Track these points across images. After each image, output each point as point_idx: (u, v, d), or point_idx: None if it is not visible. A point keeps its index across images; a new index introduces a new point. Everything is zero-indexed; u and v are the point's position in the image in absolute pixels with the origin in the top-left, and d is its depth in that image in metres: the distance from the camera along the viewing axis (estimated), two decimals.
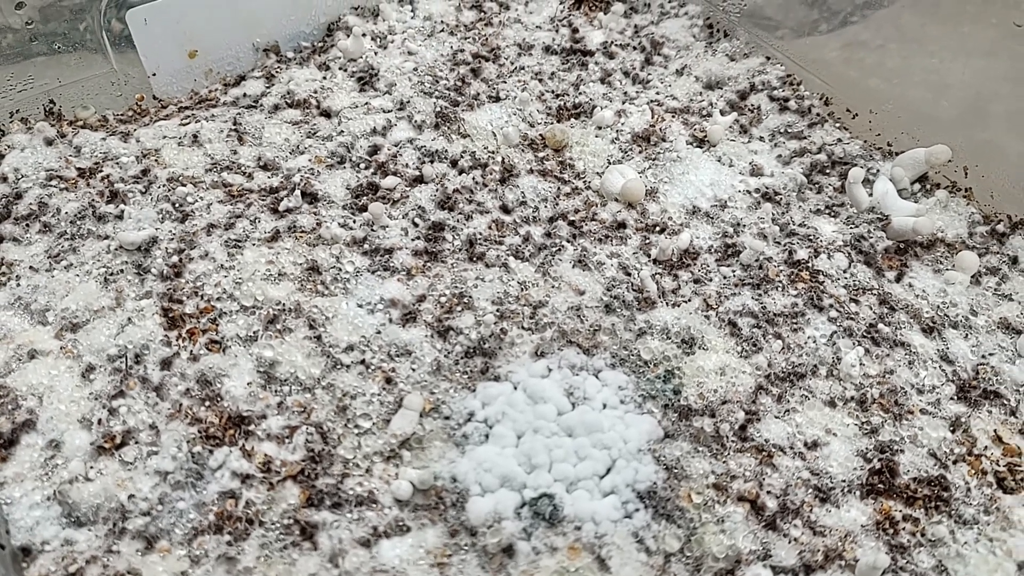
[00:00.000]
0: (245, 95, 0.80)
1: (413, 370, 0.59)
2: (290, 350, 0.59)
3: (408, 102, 0.77)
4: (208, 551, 0.50)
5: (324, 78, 0.81)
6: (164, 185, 0.70)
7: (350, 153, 0.74)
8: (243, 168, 0.73)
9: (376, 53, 0.83)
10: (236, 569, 0.49)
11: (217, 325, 0.61)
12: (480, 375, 0.59)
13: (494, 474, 0.53)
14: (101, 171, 0.72)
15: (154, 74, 0.81)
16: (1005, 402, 0.57)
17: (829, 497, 0.53)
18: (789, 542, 0.51)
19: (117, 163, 0.72)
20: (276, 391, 0.57)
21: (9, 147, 0.73)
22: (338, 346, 0.59)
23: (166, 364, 0.58)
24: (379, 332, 0.60)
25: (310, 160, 0.73)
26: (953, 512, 0.52)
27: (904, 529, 0.51)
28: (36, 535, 0.51)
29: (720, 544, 0.50)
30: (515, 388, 0.58)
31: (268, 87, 0.81)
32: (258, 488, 0.53)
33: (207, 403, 0.57)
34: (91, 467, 0.53)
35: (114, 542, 0.50)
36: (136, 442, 0.54)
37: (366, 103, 0.78)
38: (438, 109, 0.76)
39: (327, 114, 0.77)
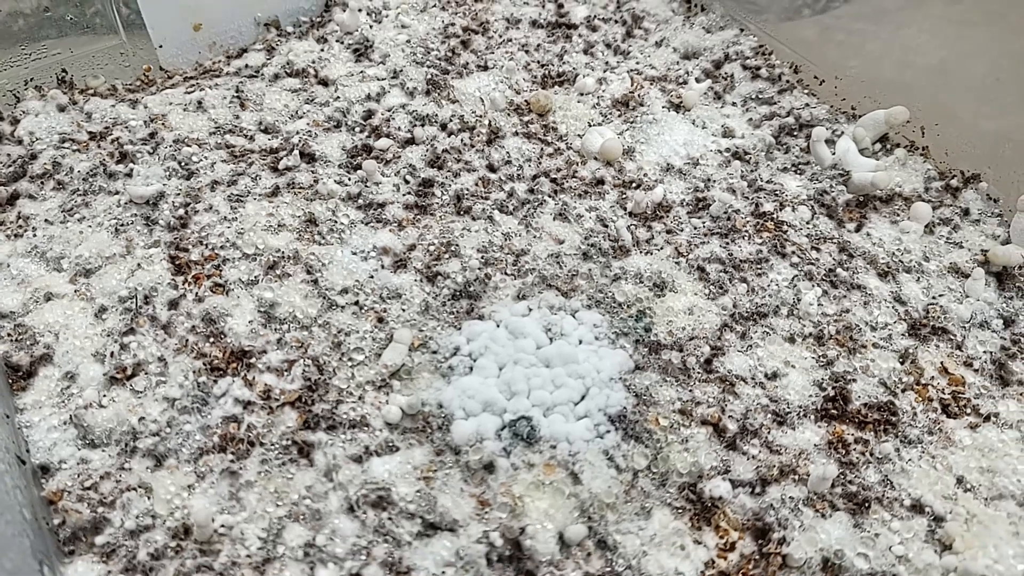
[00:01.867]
0: (247, 66, 0.85)
1: (403, 310, 0.63)
2: (288, 292, 0.63)
3: (401, 71, 0.82)
4: (213, 468, 0.54)
5: (322, 50, 0.86)
6: (170, 146, 0.74)
7: (346, 117, 0.78)
8: (245, 131, 0.77)
9: (371, 27, 0.87)
10: (239, 483, 0.54)
11: (220, 270, 0.65)
12: (465, 315, 0.63)
13: (477, 400, 0.57)
14: (111, 134, 0.76)
15: (161, 46, 0.86)
16: (952, 337, 0.62)
17: (786, 420, 0.57)
18: (748, 459, 0.55)
19: (126, 127, 0.77)
20: (275, 329, 0.62)
21: (24, 112, 0.78)
22: (333, 289, 0.64)
23: (173, 304, 0.62)
24: (372, 277, 0.65)
25: (308, 124, 0.77)
26: (900, 434, 0.57)
27: (854, 449, 0.56)
28: (54, 455, 0.55)
29: (684, 461, 0.55)
30: (498, 326, 0.62)
31: (269, 58, 0.85)
32: (258, 413, 0.57)
33: (211, 339, 0.61)
34: (104, 395, 0.58)
35: (126, 460, 0.55)
36: (146, 373, 0.59)
37: (361, 72, 0.82)
38: (429, 77, 0.81)
39: (324, 82, 0.82)
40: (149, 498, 0.53)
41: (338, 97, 0.80)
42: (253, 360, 0.60)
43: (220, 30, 0.87)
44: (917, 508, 0.53)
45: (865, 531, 0.52)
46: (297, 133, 0.76)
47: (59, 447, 0.55)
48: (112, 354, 0.59)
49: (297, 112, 0.79)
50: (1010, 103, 0.71)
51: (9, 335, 0.60)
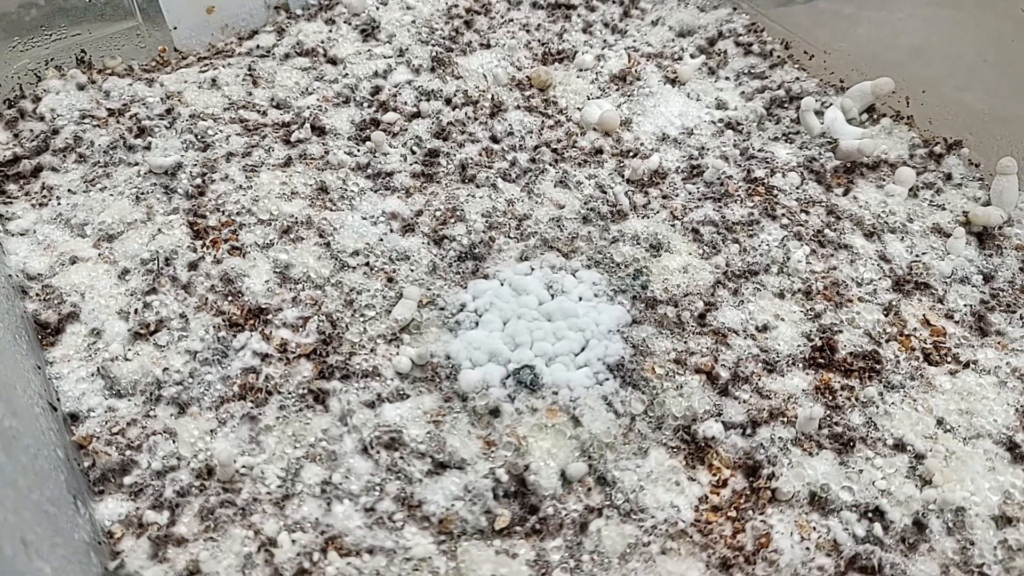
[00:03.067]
0: (258, 47, 0.88)
1: (412, 271, 0.66)
2: (302, 254, 0.67)
3: (407, 49, 0.85)
4: (233, 414, 0.57)
5: (330, 31, 0.89)
6: (187, 121, 0.78)
7: (354, 93, 0.81)
8: (258, 107, 0.80)
9: (378, 8, 0.91)
10: (258, 427, 0.57)
11: (237, 235, 0.68)
12: (471, 275, 0.67)
13: (483, 351, 0.61)
14: (129, 110, 0.79)
15: (175, 28, 0.89)
16: (934, 291, 0.65)
17: (775, 368, 0.60)
18: (739, 403, 0.58)
19: (144, 104, 0.80)
20: (291, 288, 0.65)
21: (45, 91, 0.81)
22: (345, 251, 0.67)
23: (193, 266, 0.66)
24: (381, 240, 0.68)
25: (318, 99, 0.81)
26: (883, 380, 0.60)
27: (840, 395, 0.59)
28: (83, 403, 0.58)
29: (679, 405, 0.58)
30: (502, 284, 0.65)
31: (279, 39, 0.89)
32: (276, 365, 0.60)
33: (230, 298, 0.64)
34: (129, 349, 0.61)
35: (151, 408, 0.58)
36: (168, 329, 0.62)
37: (368, 51, 0.86)
38: (434, 55, 0.84)
39: (333, 61, 0.85)
40: (174, 442, 0.56)
41: (346, 74, 0.83)
42: (270, 317, 0.63)
43: (232, 13, 0.91)
44: (899, 447, 0.56)
45: (850, 468, 0.55)
46: (308, 108, 0.79)
47: (87, 396, 0.58)
48: (136, 311, 0.63)
49: (307, 89, 0.82)
50: (990, 76, 0.74)
51: (37, 295, 0.63)
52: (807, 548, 0.51)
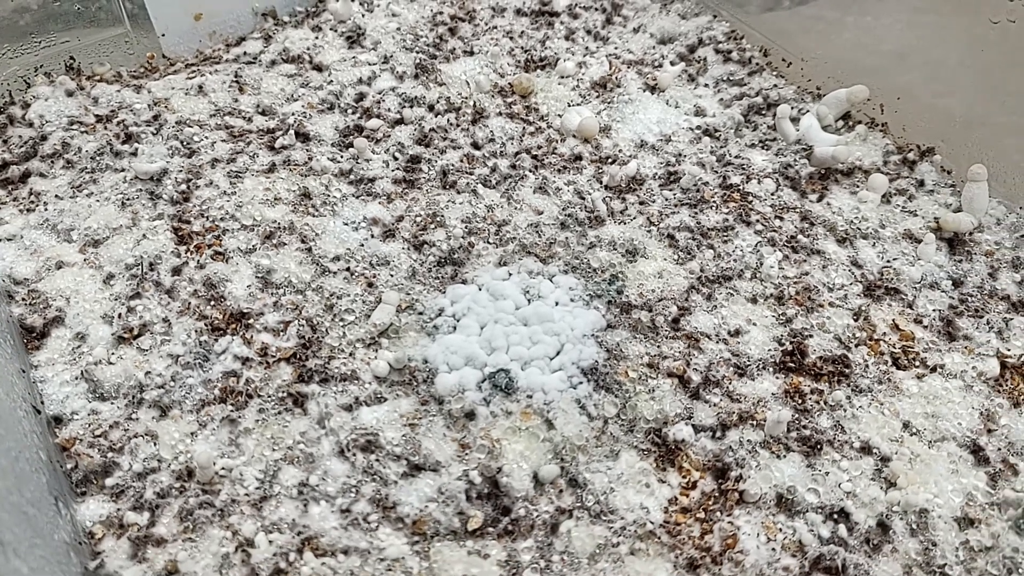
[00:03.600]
0: (245, 53, 0.89)
1: (391, 276, 0.68)
2: (284, 260, 0.68)
3: (391, 56, 0.86)
4: (213, 417, 0.59)
5: (316, 38, 0.90)
6: (173, 127, 0.79)
7: (339, 100, 0.82)
8: (243, 113, 0.82)
9: (363, 15, 0.92)
10: (238, 430, 0.58)
11: (220, 240, 0.69)
12: (450, 280, 0.68)
13: (459, 355, 0.62)
14: (117, 117, 0.80)
15: (163, 35, 0.90)
16: (904, 296, 0.66)
17: (746, 372, 0.61)
18: (709, 407, 0.59)
19: (131, 110, 0.81)
20: (272, 293, 0.66)
21: (35, 97, 0.82)
22: (326, 256, 0.68)
23: (176, 271, 0.67)
24: (362, 245, 0.69)
25: (303, 106, 0.82)
26: (852, 384, 0.61)
27: (809, 399, 0.60)
28: (66, 406, 0.59)
29: (651, 409, 0.59)
30: (480, 289, 0.67)
31: (266, 46, 0.90)
32: (256, 368, 0.61)
33: (212, 302, 0.65)
34: (112, 353, 0.62)
35: (133, 411, 0.59)
36: (151, 333, 0.63)
37: (353, 57, 0.87)
38: (418, 62, 0.85)
39: (319, 68, 0.86)
40: (155, 444, 0.57)
41: (331, 81, 0.84)
42: (251, 321, 0.64)
43: (219, 20, 0.92)
44: (865, 449, 0.57)
45: (816, 470, 0.56)
46: (293, 115, 0.81)
47: (71, 399, 0.59)
48: (119, 316, 0.64)
49: (293, 95, 0.83)
50: (965, 83, 0.75)
51: (23, 299, 0.65)
52: (773, 549, 0.53)
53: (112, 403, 0.59)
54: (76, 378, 0.60)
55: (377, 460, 0.56)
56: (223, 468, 0.56)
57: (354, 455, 0.56)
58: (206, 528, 0.53)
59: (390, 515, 0.54)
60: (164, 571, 0.51)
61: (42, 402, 0.59)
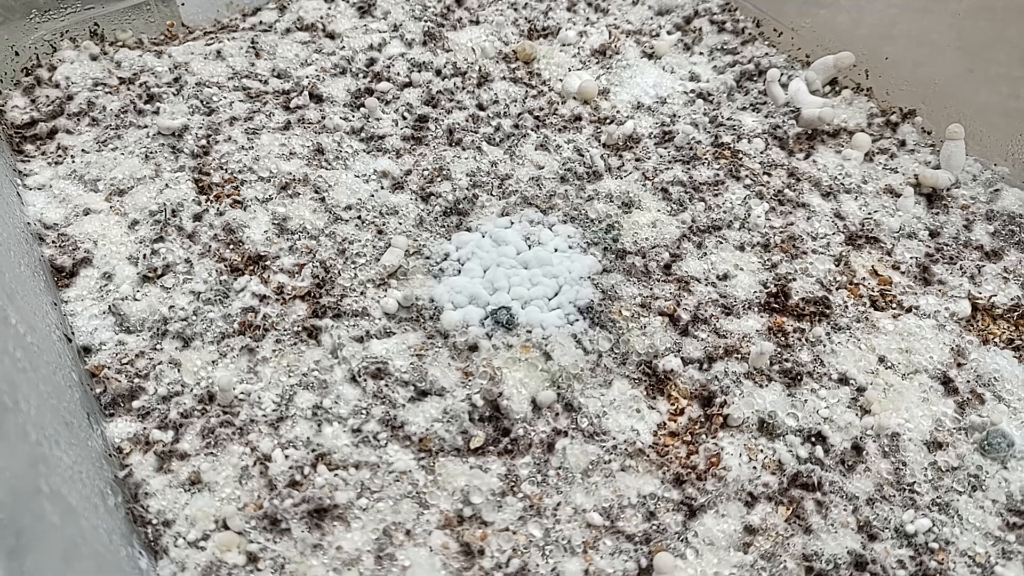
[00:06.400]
0: (261, 22, 0.93)
1: (400, 224, 0.72)
2: (299, 208, 0.72)
3: (401, 25, 0.91)
4: (233, 347, 0.63)
5: (329, 8, 0.94)
6: (193, 88, 0.83)
7: (350, 65, 0.87)
8: (259, 76, 0.86)
9: None
10: (256, 358, 0.62)
11: (239, 190, 0.73)
12: (455, 228, 0.72)
13: (464, 295, 0.66)
14: (139, 79, 0.84)
15: (183, 4, 0.94)
16: (883, 245, 0.70)
17: (733, 311, 0.65)
18: (697, 341, 0.63)
19: (153, 73, 0.85)
20: (288, 238, 0.70)
21: (60, 60, 0.86)
22: (339, 205, 0.72)
23: (197, 217, 0.71)
24: (373, 196, 0.73)
25: (316, 70, 0.86)
26: (832, 322, 0.65)
27: (792, 336, 0.64)
28: (95, 338, 0.63)
29: (642, 343, 0.63)
30: (483, 236, 0.71)
31: (281, 15, 0.94)
32: (273, 305, 0.65)
33: (231, 246, 0.69)
34: (138, 290, 0.66)
35: (158, 343, 0.63)
36: (174, 273, 0.67)
37: (365, 26, 0.91)
38: (426, 30, 0.89)
39: (331, 35, 0.90)
40: (178, 371, 0.61)
41: (343, 47, 0.88)
42: (268, 263, 0.68)
43: None
44: (842, 380, 0.61)
45: (796, 398, 0.60)
46: (307, 78, 0.85)
47: (99, 331, 0.63)
48: (144, 257, 0.68)
49: (307, 60, 0.87)
50: (947, 50, 0.79)
51: (53, 242, 0.69)
52: (754, 467, 0.57)
53: (138, 335, 0.63)
54: (104, 312, 0.64)
55: (386, 385, 0.60)
56: (242, 392, 0.60)
57: (365, 381, 0.60)
58: (226, 444, 0.57)
59: (398, 434, 0.58)
60: (188, 481, 0.55)
61: (72, 333, 0.63)
